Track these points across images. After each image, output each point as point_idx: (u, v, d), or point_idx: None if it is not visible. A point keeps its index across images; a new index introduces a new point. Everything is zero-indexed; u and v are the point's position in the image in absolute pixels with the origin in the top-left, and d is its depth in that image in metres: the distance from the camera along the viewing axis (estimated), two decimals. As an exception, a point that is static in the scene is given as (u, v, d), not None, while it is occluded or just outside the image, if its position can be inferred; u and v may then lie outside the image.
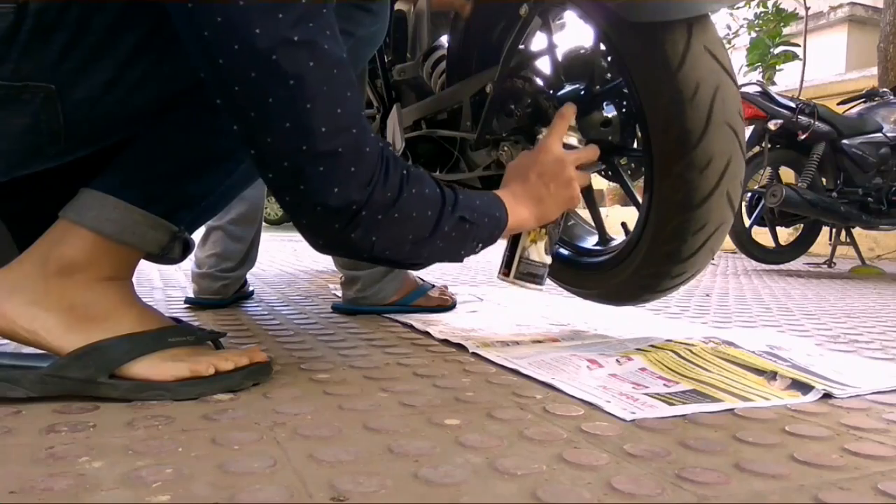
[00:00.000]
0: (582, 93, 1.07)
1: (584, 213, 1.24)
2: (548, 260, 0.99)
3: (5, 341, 0.97)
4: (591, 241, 1.20)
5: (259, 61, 0.63)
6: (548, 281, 1.03)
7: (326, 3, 0.66)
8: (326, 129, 0.66)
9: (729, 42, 7.44)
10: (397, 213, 0.74)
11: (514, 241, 0.99)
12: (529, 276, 0.99)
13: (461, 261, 0.85)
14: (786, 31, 7.11)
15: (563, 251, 1.18)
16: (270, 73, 0.63)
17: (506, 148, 1.14)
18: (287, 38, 0.63)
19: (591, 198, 1.15)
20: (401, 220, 0.74)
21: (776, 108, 2.88)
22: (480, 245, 0.86)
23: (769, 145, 2.99)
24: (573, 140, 0.97)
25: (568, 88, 1.09)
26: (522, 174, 0.94)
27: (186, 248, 0.83)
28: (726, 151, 0.88)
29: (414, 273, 1.45)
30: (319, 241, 0.76)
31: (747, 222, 3.18)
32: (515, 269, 0.98)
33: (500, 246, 0.97)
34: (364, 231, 0.73)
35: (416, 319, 1.27)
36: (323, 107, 0.66)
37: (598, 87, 1.05)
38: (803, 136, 2.90)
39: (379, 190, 0.71)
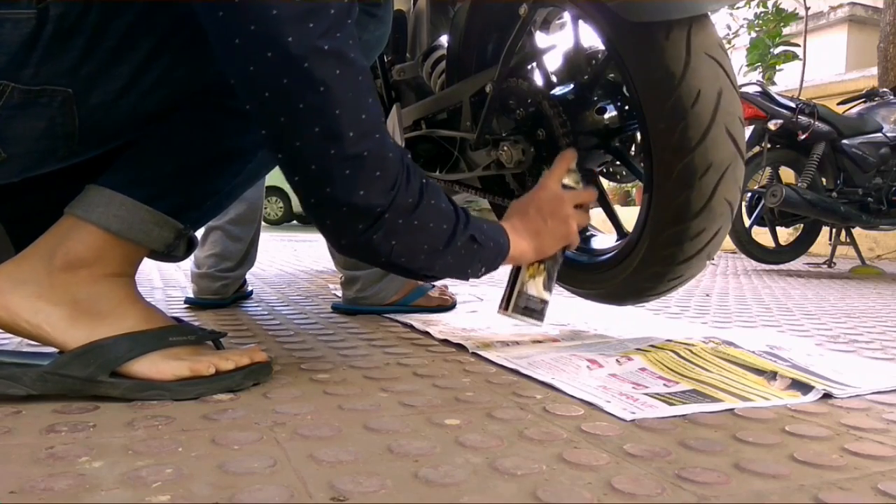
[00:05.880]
0: (576, 92, 1.07)
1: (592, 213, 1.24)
2: (546, 296, 1.01)
3: (6, 339, 0.97)
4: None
5: (291, 68, 0.64)
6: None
7: (350, 15, 0.68)
8: (353, 134, 0.68)
9: (729, 42, 7.43)
10: (416, 221, 0.76)
11: (514, 278, 1.01)
12: (527, 310, 1.00)
13: (467, 279, 0.88)
14: (786, 31, 7.10)
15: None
16: (302, 80, 0.65)
17: (505, 148, 1.14)
18: (318, 46, 0.64)
19: (604, 200, 1.17)
20: (419, 227, 0.77)
21: (776, 108, 2.88)
22: (484, 269, 0.89)
23: (769, 145, 2.99)
24: (571, 181, 1.01)
25: (566, 88, 1.09)
26: (522, 210, 0.98)
27: (190, 245, 0.84)
28: (726, 159, 0.89)
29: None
30: (342, 242, 0.77)
31: (747, 222, 3.18)
32: (514, 303, 1.00)
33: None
34: (385, 234, 0.75)
35: (416, 319, 1.27)
36: (350, 112, 0.68)
37: (587, 79, 1.07)
38: (803, 136, 2.90)
39: (402, 194, 0.74)
